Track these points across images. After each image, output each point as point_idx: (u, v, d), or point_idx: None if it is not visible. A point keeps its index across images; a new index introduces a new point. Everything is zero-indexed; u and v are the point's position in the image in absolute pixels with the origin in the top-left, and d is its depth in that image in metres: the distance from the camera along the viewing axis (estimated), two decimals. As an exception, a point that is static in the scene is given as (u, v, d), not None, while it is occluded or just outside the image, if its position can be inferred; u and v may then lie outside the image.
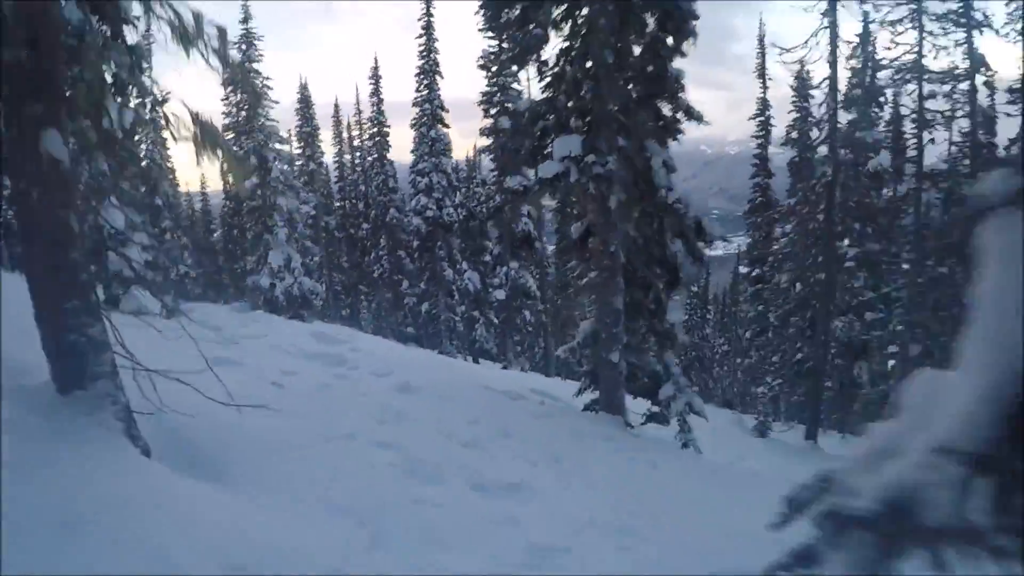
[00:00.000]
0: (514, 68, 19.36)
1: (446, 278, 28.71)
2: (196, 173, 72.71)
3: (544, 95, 8.26)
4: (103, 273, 12.12)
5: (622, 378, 8.65)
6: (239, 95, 24.60)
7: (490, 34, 24.01)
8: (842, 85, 15.67)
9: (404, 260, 34.97)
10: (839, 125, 15.45)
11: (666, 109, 7.92)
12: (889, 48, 15.66)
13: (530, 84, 24.52)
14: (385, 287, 36.06)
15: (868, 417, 20.24)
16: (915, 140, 16.69)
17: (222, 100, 25.26)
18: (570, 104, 7.67)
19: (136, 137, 13.21)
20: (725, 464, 9.14)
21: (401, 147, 33.96)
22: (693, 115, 7.90)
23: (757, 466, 10.51)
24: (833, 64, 15.11)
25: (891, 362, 20.03)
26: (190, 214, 55.24)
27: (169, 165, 45.49)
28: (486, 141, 24.22)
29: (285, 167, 25.20)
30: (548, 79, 8.14)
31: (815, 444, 17.08)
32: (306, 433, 5.19)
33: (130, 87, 10.00)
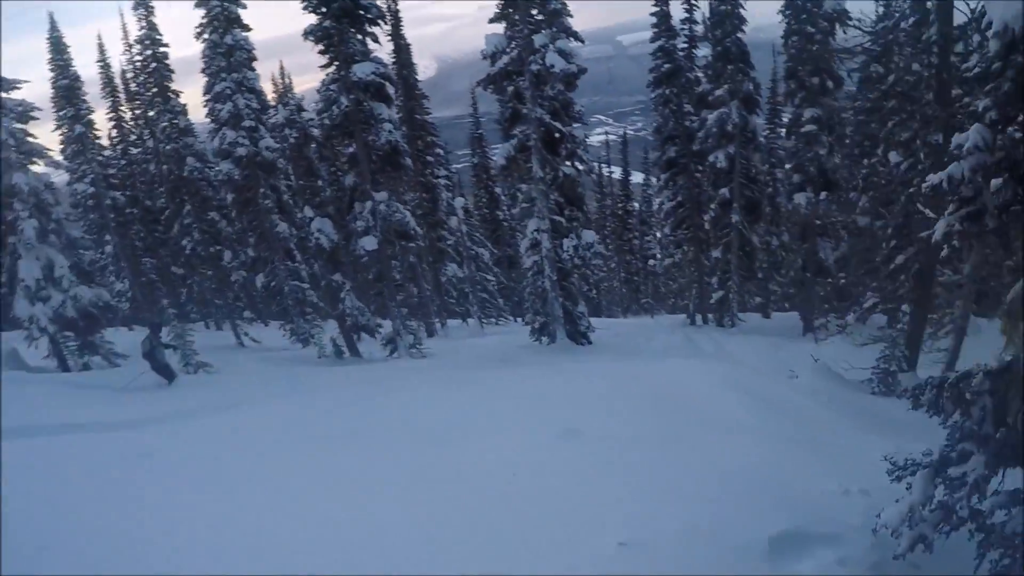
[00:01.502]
0: None
1: (280, 235, 20.29)
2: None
3: None
4: None
5: None
6: None
7: None
8: None
9: (219, 223, 25.74)
10: None
11: None
12: None
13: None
14: (202, 264, 26.71)
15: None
16: None
17: None
18: None
19: None
20: None
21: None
22: None
23: None
24: None
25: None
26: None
27: None
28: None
29: (14, 125, 15.77)
30: None
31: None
32: None
33: None
